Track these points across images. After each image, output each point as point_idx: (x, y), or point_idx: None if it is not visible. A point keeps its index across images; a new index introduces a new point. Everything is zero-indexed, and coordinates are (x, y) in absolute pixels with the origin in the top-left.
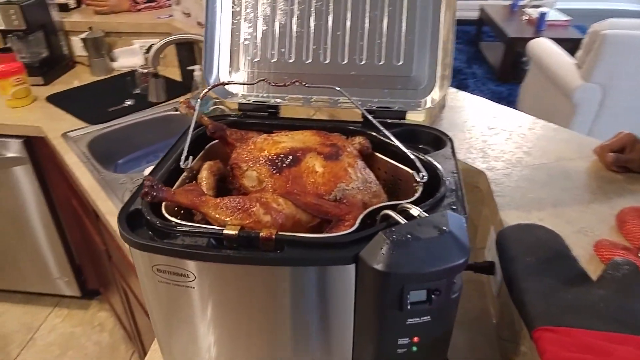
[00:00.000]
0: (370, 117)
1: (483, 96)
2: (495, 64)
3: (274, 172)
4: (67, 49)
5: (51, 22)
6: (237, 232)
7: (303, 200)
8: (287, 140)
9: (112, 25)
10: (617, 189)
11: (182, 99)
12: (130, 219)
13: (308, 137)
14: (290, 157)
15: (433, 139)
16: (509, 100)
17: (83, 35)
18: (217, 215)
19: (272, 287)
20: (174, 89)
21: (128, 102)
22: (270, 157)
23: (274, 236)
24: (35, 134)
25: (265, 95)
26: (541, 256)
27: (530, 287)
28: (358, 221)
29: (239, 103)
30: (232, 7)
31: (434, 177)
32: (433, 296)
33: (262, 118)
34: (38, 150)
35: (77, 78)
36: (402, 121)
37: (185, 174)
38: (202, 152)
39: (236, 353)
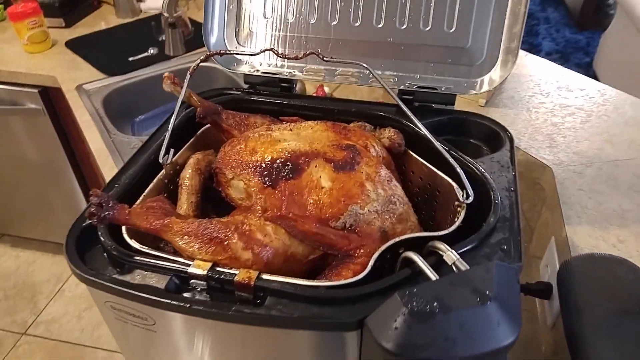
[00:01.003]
0: (400, 102)
1: (555, 46)
2: (574, 7)
3: (267, 185)
4: None
5: None
6: (206, 271)
7: (301, 227)
8: (289, 139)
9: None
10: None
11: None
12: (85, 235)
13: (319, 133)
14: (290, 164)
15: (488, 133)
16: (586, 51)
17: None
18: (184, 245)
19: (251, 349)
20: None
21: (151, 51)
22: (262, 164)
23: (252, 282)
24: (50, 84)
25: (278, 65)
26: (620, 308)
27: (603, 355)
28: (372, 262)
29: (245, 74)
30: None
31: (484, 194)
32: None
33: (272, 95)
34: (56, 102)
35: (103, 20)
36: (449, 107)
37: (163, 171)
38: (192, 140)
39: None
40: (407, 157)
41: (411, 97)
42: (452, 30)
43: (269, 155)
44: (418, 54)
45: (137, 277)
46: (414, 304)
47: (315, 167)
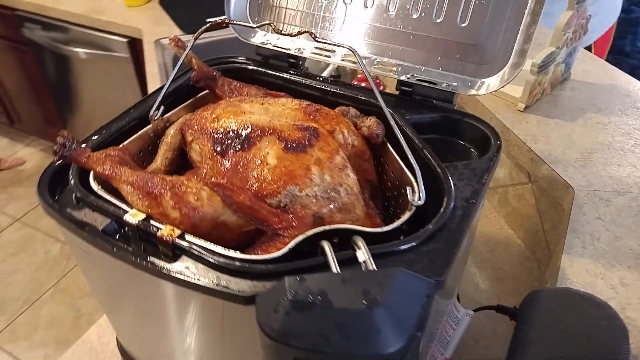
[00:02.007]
0: (376, 90)
1: None
2: None
3: (216, 152)
4: None
5: None
6: (137, 221)
7: (236, 198)
8: (255, 112)
9: None
10: None
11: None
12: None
13: (287, 111)
14: (243, 136)
15: (481, 136)
16: None
17: None
18: (128, 194)
19: (163, 297)
20: None
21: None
22: (218, 132)
23: (171, 240)
24: (137, 35)
25: (290, 41)
26: (577, 355)
27: None
28: (292, 244)
29: (257, 46)
30: None
31: (440, 199)
32: None
33: (271, 68)
34: (140, 52)
35: None
36: (446, 105)
37: (150, 126)
38: (188, 102)
39: (153, 334)
40: (384, 150)
41: (409, 89)
42: (464, 25)
43: (228, 125)
44: (426, 46)
45: (85, 215)
46: (298, 292)
47: (267, 143)
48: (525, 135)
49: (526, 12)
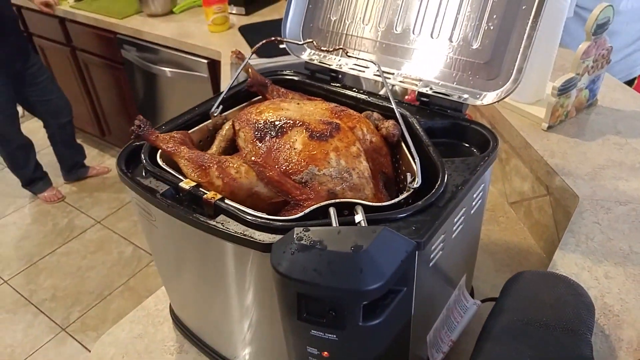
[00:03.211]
0: (392, 97)
1: None
2: None
3: (256, 138)
4: None
5: None
6: (189, 187)
7: (267, 174)
8: (291, 109)
9: None
10: None
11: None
12: (136, 155)
13: (317, 109)
14: (278, 127)
15: (483, 140)
16: None
17: None
18: (184, 167)
19: (210, 249)
20: None
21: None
22: (259, 122)
23: (213, 201)
24: (216, 57)
25: (333, 59)
26: (538, 319)
27: (492, 351)
28: (307, 210)
29: (305, 62)
30: None
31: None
32: (332, 314)
33: (318, 80)
34: (218, 72)
35: (277, 12)
36: (457, 114)
37: (211, 120)
38: (243, 104)
39: (204, 296)
40: (399, 148)
41: (427, 99)
42: (476, 46)
43: (267, 117)
44: (443, 63)
45: (150, 182)
46: (303, 237)
47: (296, 132)
48: (544, 151)
49: (525, 36)
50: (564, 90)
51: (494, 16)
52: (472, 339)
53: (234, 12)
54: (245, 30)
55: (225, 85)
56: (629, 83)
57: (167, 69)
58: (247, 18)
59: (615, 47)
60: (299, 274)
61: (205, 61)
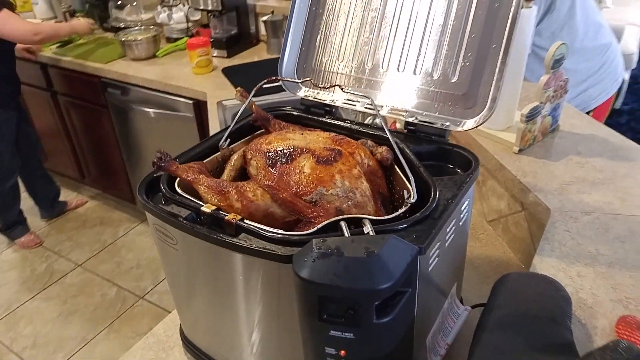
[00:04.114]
0: (386, 127)
1: None
2: None
3: (268, 165)
4: (255, 28)
5: (244, 4)
6: (211, 210)
7: (281, 195)
8: (297, 139)
9: None
10: None
11: None
12: (154, 185)
13: (320, 138)
14: (287, 154)
15: (465, 162)
16: None
17: (264, 18)
18: (203, 193)
19: (231, 269)
20: None
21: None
22: (270, 151)
23: (234, 221)
24: (201, 98)
25: (326, 94)
26: (525, 311)
27: (490, 341)
28: (319, 226)
29: (302, 98)
30: (313, 9)
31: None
32: (350, 312)
33: (314, 114)
34: (203, 112)
35: (256, 54)
36: (442, 139)
37: (219, 152)
38: (247, 137)
39: (217, 315)
40: (393, 170)
41: (414, 128)
42: (454, 80)
43: (277, 147)
44: (427, 96)
45: (172, 208)
46: (322, 247)
47: (304, 158)
48: (517, 171)
49: (496, 70)
50: (530, 116)
51: (469, 54)
52: (464, 344)
53: (215, 55)
54: (228, 72)
55: (214, 122)
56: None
57: (150, 110)
58: (228, 60)
59: (572, 83)
60: (321, 278)
61: (191, 102)
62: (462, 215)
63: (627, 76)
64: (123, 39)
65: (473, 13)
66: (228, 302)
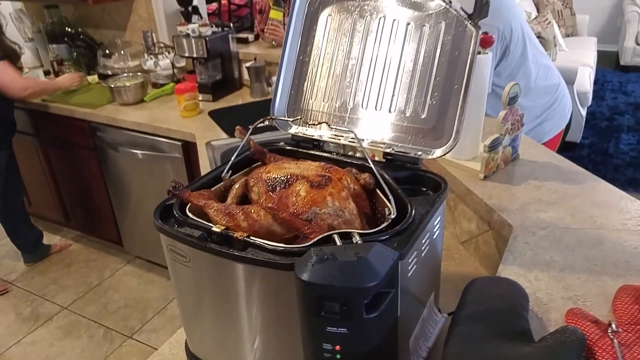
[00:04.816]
0: (368, 157)
1: None
2: None
3: (269, 190)
4: (238, 73)
5: (228, 51)
6: (220, 230)
7: (280, 215)
8: (292, 167)
9: (273, 57)
10: None
11: None
12: (166, 211)
13: (312, 167)
14: (285, 180)
15: (435, 185)
16: None
17: (248, 64)
18: (213, 216)
19: (238, 280)
20: None
21: (267, 122)
22: (270, 179)
23: (242, 238)
24: (190, 139)
25: (314, 131)
26: (490, 307)
27: (461, 331)
28: (314, 240)
29: (292, 135)
30: (300, 57)
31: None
32: (344, 308)
33: (304, 148)
34: (192, 153)
35: (240, 98)
36: (415, 166)
37: (222, 183)
38: (246, 169)
39: (223, 325)
40: (375, 194)
41: (391, 157)
42: (424, 116)
43: (275, 175)
44: (401, 130)
45: (185, 230)
46: (319, 254)
47: (299, 183)
48: (483, 195)
49: (459, 107)
50: (492, 147)
51: (435, 94)
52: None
53: (201, 99)
54: (214, 115)
55: (204, 161)
56: None
57: (138, 152)
58: (214, 104)
59: (528, 118)
60: (319, 279)
61: (180, 143)
62: (434, 230)
63: (584, 112)
64: (112, 85)
65: (437, 59)
66: (233, 311)
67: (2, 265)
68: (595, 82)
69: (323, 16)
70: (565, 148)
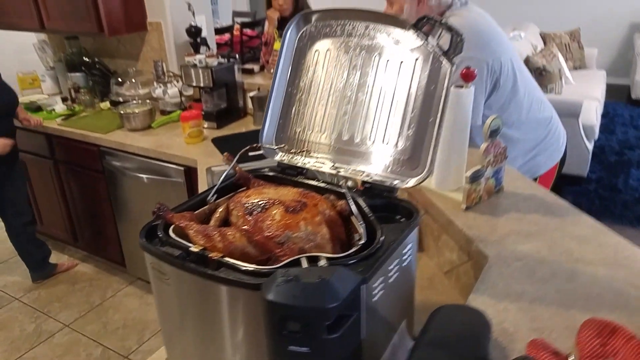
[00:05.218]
0: (346, 190)
1: None
2: None
3: (246, 214)
4: (243, 102)
5: (234, 81)
6: (197, 250)
7: (255, 237)
8: (270, 193)
9: None
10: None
11: None
12: (152, 231)
13: (290, 193)
14: (262, 205)
15: (409, 212)
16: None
17: (251, 94)
18: (193, 236)
19: (210, 297)
20: None
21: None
22: (248, 203)
23: (216, 258)
24: (192, 165)
25: (299, 158)
26: (452, 334)
27: (421, 355)
28: (285, 262)
29: (278, 161)
30: (289, 89)
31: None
32: (306, 326)
33: (289, 174)
34: (193, 179)
35: (244, 126)
36: (392, 195)
37: (207, 206)
38: (232, 194)
39: (201, 343)
40: (350, 220)
41: (370, 185)
42: (401, 147)
43: (253, 199)
44: (378, 160)
45: (167, 249)
46: (284, 276)
47: (275, 208)
48: (463, 225)
49: (434, 138)
50: (474, 178)
51: (412, 125)
52: None
53: (206, 126)
54: (217, 142)
55: (203, 185)
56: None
57: (144, 176)
58: (218, 131)
59: (519, 152)
60: (282, 299)
61: (182, 168)
62: (405, 257)
63: (590, 146)
64: (122, 112)
65: (414, 93)
66: (211, 329)
67: (12, 282)
68: (605, 115)
69: (311, 51)
70: (572, 182)
